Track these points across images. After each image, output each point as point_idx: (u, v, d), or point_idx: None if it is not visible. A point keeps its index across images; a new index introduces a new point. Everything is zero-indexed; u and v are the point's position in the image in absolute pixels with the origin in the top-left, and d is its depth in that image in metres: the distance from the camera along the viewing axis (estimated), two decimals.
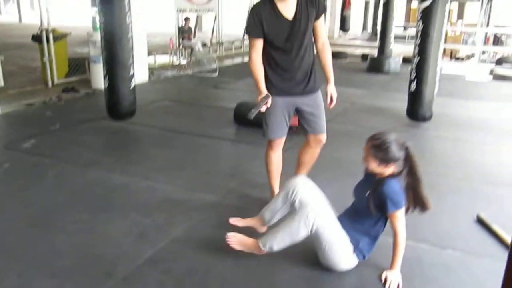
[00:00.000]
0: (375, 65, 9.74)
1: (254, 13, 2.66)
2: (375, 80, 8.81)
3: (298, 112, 2.92)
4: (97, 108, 5.72)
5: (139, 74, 7.88)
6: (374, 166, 2.32)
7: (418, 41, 5.15)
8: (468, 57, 12.55)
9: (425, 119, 5.35)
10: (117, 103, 4.74)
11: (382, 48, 9.86)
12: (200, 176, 3.75)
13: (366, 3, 21.71)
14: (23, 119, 5.56)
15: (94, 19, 6.91)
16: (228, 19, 14.65)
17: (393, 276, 2.33)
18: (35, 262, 2.46)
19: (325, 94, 2.93)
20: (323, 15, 2.79)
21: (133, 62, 4.76)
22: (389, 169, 2.29)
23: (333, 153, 4.16)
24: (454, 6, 20.69)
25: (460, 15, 20.57)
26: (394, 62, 9.64)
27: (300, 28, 2.67)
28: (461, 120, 5.85)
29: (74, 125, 5.21)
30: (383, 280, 2.34)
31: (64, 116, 5.61)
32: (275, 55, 2.74)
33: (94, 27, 7.05)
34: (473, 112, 6.39)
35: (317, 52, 2.91)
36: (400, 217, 2.28)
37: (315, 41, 2.87)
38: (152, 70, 9.05)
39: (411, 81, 5.30)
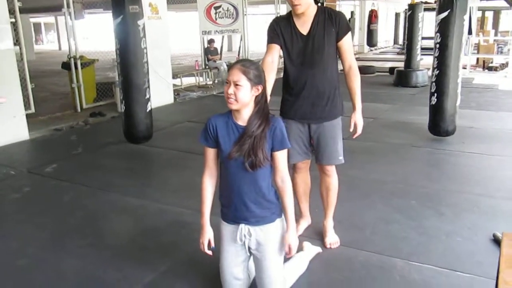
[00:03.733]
0: (402, 78, 9.55)
1: (274, 23, 2.67)
2: (401, 94, 8.63)
3: (312, 139, 2.77)
4: (119, 132, 5.84)
5: (164, 96, 8.09)
6: None
7: (437, 53, 5.03)
8: (502, 66, 12.13)
9: (447, 133, 5.17)
10: (133, 127, 4.85)
11: (409, 60, 9.67)
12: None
13: (397, 15, 21.44)
14: (50, 143, 5.77)
15: None
16: (255, 39, 14.80)
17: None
18: (40, 286, 2.51)
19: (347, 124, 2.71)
20: (347, 36, 2.59)
21: (149, 86, 4.87)
22: None
23: (347, 170, 4.05)
24: (489, 14, 20.11)
25: (495, 24, 19.96)
26: (421, 74, 9.43)
27: (314, 45, 2.56)
28: (489, 133, 5.62)
29: (96, 148, 5.35)
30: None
31: (87, 140, 5.78)
32: (290, 72, 2.66)
33: None
34: (504, 124, 6.12)
35: (344, 77, 2.68)
36: None
37: (342, 64, 2.66)
38: (178, 91, 9.23)
39: (431, 95, 5.16)
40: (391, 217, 3.26)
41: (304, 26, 2.58)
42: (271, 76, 2.58)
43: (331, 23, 2.55)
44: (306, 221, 3.10)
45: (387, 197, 3.61)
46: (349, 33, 2.62)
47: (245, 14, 11.67)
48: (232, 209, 2.06)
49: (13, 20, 6.34)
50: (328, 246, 2.86)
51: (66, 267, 2.72)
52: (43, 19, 31.20)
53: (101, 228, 3.23)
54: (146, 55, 4.85)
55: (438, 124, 5.16)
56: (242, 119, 1.98)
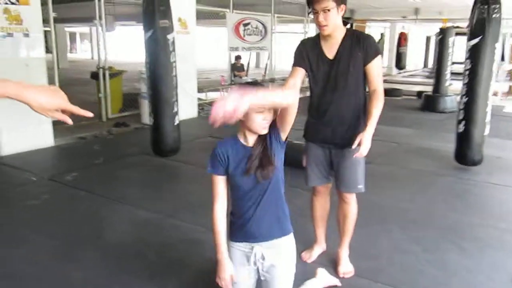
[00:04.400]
0: (430, 103, 9.37)
1: (301, 46, 2.63)
2: (428, 119, 8.45)
3: (331, 161, 2.71)
4: (141, 143, 5.89)
5: (188, 110, 8.14)
6: None
7: (466, 80, 4.89)
8: None
9: (474, 163, 5.01)
10: (161, 140, 4.88)
11: (438, 85, 9.52)
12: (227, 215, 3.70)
13: (428, 39, 21.20)
14: (73, 151, 5.85)
15: None
16: (283, 57, 14.84)
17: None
18: None
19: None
20: (375, 60, 2.50)
21: (177, 100, 4.90)
22: None
23: (366, 195, 3.93)
24: None
25: None
26: (450, 100, 9.23)
27: (339, 69, 2.49)
28: None
29: (116, 159, 5.39)
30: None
31: (109, 150, 5.84)
32: (315, 95, 2.62)
33: None
34: None
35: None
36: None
37: (368, 87, 2.57)
38: (202, 105, 9.29)
39: (458, 122, 5.02)
40: (408, 247, 3.14)
41: (331, 50, 2.53)
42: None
43: (358, 47, 2.47)
44: (320, 247, 3.01)
45: (406, 226, 3.49)
46: (378, 57, 2.52)
47: (273, 32, 11.76)
48: (248, 227, 1.95)
49: (48, 29, 6.54)
50: (341, 275, 2.77)
51: (73, 277, 2.71)
52: (78, 29, 32.15)
53: (112, 240, 3.22)
54: (175, 68, 4.89)
55: (465, 152, 5.00)
56: (249, 141, 1.88)
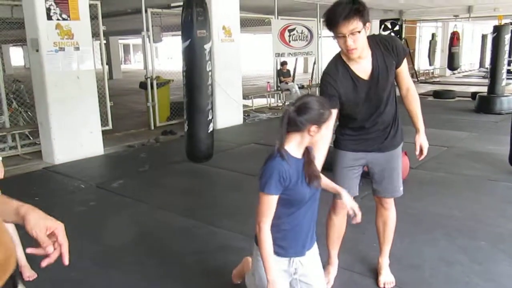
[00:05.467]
0: (485, 104, 8.92)
1: (327, 77, 2.34)
2: (482, 121, 8.03)
3: (368, 167, 2.59)
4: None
5: (234, 117, 8.22)
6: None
7: None
8: None
9: None
10: (195, 146, 4.96)
11: (493, 85, 9.03)
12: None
13: (483, 37, 20.22)
14: (121, 159, 6.05)
15: None
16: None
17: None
18: None
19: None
20: (405, 59, 2.42)
21: (212, 108, 4.96)
22: None
23: (413, 202, 3.83)
24: None
25: None
26: (507, 101, 8.74)
27: (379, 85, 2.33)
28: None
29: (161, 166, 5.52)
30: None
31: (155, 158, 5.99)
32: (356, 115, 2.44)
33: None
34: None
35: (402, 99, 2.51)
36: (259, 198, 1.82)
37: (399, 87, 2.48)
38: (248, 112, 9.34)
39: None
40: (454, 258, 2.98)
41: (364, 70, 2.32)
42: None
43: (390, 54, 2.33)
44: (335, 269, 2.79)
45: (452, 235, 3.31)
46: (406, 56, 2.45)
47: (320, 37, 11.65)
48: (293, 245, 1.92)
49: (99, 41, 6.83)
50: (382, 286, 2.67)
51: (113, 283, 2.79)
52: (132, 40, 33.45)
53: (152, 247, 3.28)
54: (211, 78, 4.96)
55: None
56: (299, 153, 1.86)
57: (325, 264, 2.68)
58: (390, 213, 2.67)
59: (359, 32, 2.15)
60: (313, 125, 1.77)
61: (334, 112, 2.23)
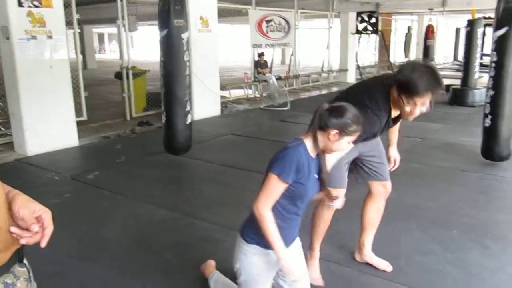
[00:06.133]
0: (457, 96, 9.11)
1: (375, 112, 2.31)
2: (455, 114, 8.22)
3: (359, 160, 2.60)
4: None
5: (211, 108, 8.17)
6: None
7: (493, 72, 4.72)
8: None
9: (501, 158, 4.83)
10: (173, 138, 4.91)
11: (466, 78, 9.23)
12: (243, 214, 3.68)
13: (457, 31, 20.60)
14: (96, 150, 5.95)
15: None
16: (308, 52, 14.72)
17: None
18: None
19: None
20: None
21: (190, 99, 4.92)
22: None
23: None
24: None
25: None
26: (479, 93, 8.92)
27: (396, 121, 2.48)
28: None
29: (138, 158, 5.46)
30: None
31: (131, 149, 5.91)
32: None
33: None
34: None
35: None
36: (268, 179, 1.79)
37: None
38: (225, 103, 9.30)
39: (485, 116, 4.85)
40: (428, 247, 3.05)
41: (396, 112, 2.35)
42: None
43: None
44: (316, 260, 2.76)
45: (426, 225, 3.39)
46: None
47: (297, 28, 11.66)
48: (285, 241, 1.87)
49: (73, 30, 6.66)
50: (385, 268, 2.75)
51: (89, 276, 2.76)
52: (107, 29, 32.77)
53: (130, 239, 3.26)
54: (189, 68, 4.91)
55: (491, 148, 4.83)
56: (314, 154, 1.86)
57: (308, 257, 2.65)
58: (384, 202, 2.74)
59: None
60: (335, 130, 1.76)
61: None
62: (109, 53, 34.78)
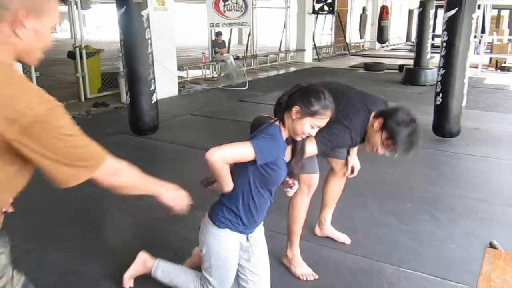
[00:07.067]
0: (411, 76, 9.42)
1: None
2: (408, 93, 8.50)
3: None
4: (121, 123, 5.82)
5: (169, 88, 8.05)
6: None
7: (443, 52, 4.91)
8: None
9: (452, 134, 5.07)
10: (139, 118, 4.84)
11: (419, 58, 9.54)
12: (205, 193, 3.70)
13: (410, 12, 21.14)
14: None
15: None
16: (265, 32, 14.67)
17: None
18: None
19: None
20: None
21: (154, 78, 4.83)
22: None
23: None
24: (505, 13, 19.75)
25: (511, 23, 19.59)
26: (431, 73, 9.25)
27: None
28: (494, 135, 5.50)
29: (95, 140, 5.29)
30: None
31: (88, 131, 5.60)
32: None
33: None
34: (511, 126, 5.99)
35: None
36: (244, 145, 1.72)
37: None
38: (183, 83, 9.19)
39: (436, 94, 5.06)
40: (384, 220, 3.19)
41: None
42: None
43: None
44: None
45: (381, 199, 3.53)
46: None
47: (254, 7, 11.60)
48: (254, 225, 1.95)
49: None
50: (345, 241, 2.86)
51: (50, 259, 2.70)
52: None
53: (92, 222, 3.22)
54: (151, 46, 4.81)
55: (442, 124, 5.07)
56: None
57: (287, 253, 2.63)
58: (345, 179, 2.82)
59: None
60: (297, 106, 1.71)
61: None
62: (60, 33, 33.31)
